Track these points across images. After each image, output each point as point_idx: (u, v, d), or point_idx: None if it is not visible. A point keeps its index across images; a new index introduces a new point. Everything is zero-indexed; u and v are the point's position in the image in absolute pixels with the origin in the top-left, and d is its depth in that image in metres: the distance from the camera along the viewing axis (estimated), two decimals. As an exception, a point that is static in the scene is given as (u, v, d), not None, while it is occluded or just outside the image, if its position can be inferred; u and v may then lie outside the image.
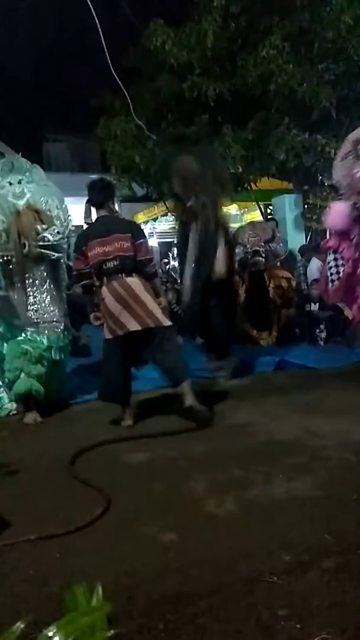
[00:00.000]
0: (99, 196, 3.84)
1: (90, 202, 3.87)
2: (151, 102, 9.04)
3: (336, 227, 4.20)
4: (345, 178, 4.16)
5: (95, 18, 5.41)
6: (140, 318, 3.61)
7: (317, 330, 6.59)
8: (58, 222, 4.23)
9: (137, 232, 3.82)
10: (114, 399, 3.82)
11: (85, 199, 3.86)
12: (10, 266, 4.10)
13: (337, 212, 4.15)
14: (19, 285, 4.13)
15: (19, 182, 4.17)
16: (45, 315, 4.19)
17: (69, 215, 4.37)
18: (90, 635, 0.69)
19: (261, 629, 1.57)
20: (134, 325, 3.61)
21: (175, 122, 9.04)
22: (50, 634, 0.70)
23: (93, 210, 3.86)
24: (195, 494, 2.58)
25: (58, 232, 4.12)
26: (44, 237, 4.06)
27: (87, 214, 3.90)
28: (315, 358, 5.60)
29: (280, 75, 7.84)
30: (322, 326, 6.60)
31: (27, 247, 4.01)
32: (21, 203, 4.11)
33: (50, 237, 4.08)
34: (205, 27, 8.06)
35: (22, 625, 0.71)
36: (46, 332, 4.16)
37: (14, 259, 4.06)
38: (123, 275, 3.65)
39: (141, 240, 3.77)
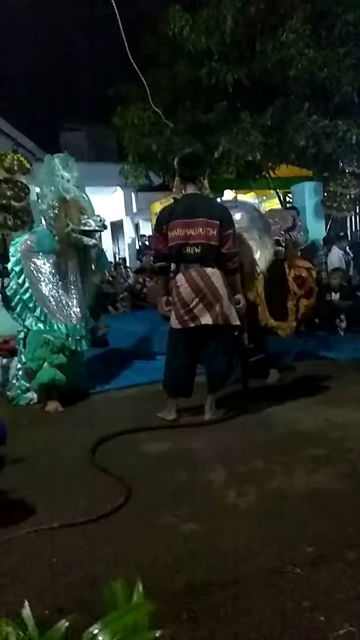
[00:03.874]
0: (188, 169, 3.58)
1: (180, 176, 3.63)
2: (168, 89, 8.93)
3: None
4: None
5: (114, 5, 5.36)
6: (215, 313, 3.43)
7: (337, 320, 6.53)
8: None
9: (226, 221, 3.49)
10: (175, 392, 3.68)
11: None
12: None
13: None
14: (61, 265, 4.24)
15: (68, 181, 4.34)
16: (64, 304, 4.25)
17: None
18: (133, 635, 0.68)
19: (285, 621, 1.57)
20: (207, 319, 3.43)
21: (193, 109, 8.93)
22: (95, 631, 0.69)
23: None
24: (215, 485, 2.58)
25: (100, 220, 4.23)
26: (87, 222, 4.18)
27: (177, 189, 3.67)
28: (335, 348, 5.55)
29: (301, 60, 7.69)
30: (342, 316, 6.53)
31: (69, 227, 4.13)
32: (67, 196, 4.26)
33: (93, 223, 4.19)
34: (224, 12, 7.92)
35: (66, 623, 0.71)
36: (65, 320, 4.21)
37: (56, 237, 4.17)
38: (203, 264, 3.45)
39: (229, 231, 3.47)
